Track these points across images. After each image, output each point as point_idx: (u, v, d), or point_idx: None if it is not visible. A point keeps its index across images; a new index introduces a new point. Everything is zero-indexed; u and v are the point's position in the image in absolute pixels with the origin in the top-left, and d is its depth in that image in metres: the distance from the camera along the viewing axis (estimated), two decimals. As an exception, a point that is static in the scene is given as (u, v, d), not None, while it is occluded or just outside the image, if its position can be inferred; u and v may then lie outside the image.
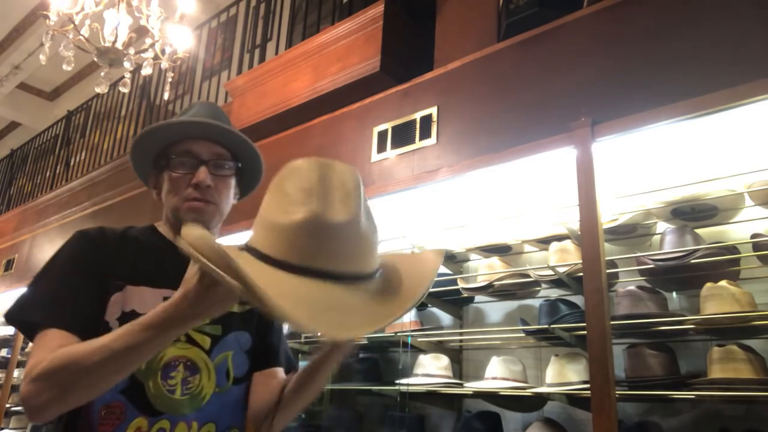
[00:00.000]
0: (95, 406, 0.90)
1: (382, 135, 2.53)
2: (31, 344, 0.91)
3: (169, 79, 3.21)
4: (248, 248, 0.72)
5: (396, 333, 2.48)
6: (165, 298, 0.79)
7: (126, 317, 0.93)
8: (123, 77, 3.13)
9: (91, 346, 0.79)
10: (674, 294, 2.01)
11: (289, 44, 3.39)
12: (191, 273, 0.73)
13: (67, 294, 0.92)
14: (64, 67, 2.90)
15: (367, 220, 0.73)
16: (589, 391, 1.62)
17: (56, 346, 0.83)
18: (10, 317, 0.93)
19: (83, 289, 0.93)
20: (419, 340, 2.45)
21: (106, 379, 0.80)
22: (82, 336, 0.86)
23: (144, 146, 1.06)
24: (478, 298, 2.54)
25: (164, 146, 1.04)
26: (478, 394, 2.23)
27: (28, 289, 0.95)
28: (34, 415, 0.80)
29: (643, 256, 1.92)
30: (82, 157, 5.48)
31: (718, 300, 1.69)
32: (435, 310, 2.70)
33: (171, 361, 0.96)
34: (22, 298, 0.94)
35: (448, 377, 2.31)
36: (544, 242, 2.26)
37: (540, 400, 2.10)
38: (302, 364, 1.05)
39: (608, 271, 1.82)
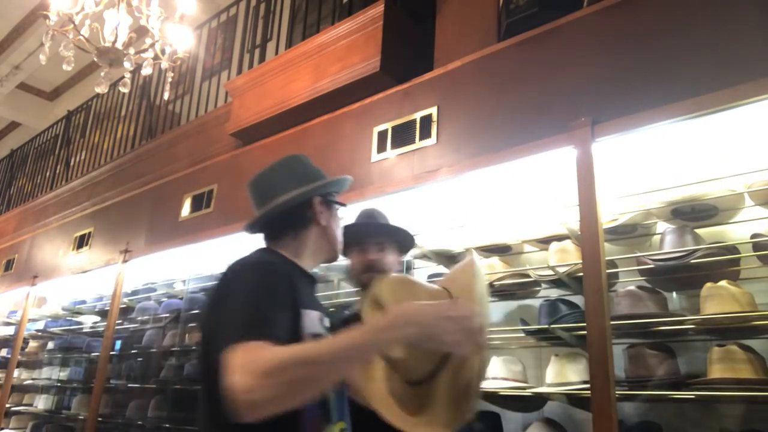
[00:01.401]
0: (306, 419, 1.04)
1: (382, 135, 2.53)
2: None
3: (169, 79, 3.20)
4: None
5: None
6: (320, 319, 1.15)
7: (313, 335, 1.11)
8: (123, 77, 3.12)
9: (315, 346, 0.93)
10: (674, 294, 2.01)
11: (289, 44, 3.38)
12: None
13: (277, 316, 1.03)
14: (64, 67, 2.89)
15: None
16: (589, 391, 1.62)
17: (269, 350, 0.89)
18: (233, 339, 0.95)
19: (284, 313, 1.05)
20: (419, 340, 2.44)
21: (325, 378, 0.91)
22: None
23: None
24: (478, 298, 2.53)
25: None
26: (478, 394, 2.22)
27: (233, 310, 1.01)
28: (249, 410, 0.80)
29: (643, 256, 1.92)
30: (82, 157, 5.48)
31: (718, 300, 1.69)
32: (435, 310, 2.69)
33: None
34: (234, 320, 0.99)
35: (448, 377, 2.30)
36: (544, 242, 2.25)
37: (540, 400, 2.09)
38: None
39: (608, 271, 1.81)
